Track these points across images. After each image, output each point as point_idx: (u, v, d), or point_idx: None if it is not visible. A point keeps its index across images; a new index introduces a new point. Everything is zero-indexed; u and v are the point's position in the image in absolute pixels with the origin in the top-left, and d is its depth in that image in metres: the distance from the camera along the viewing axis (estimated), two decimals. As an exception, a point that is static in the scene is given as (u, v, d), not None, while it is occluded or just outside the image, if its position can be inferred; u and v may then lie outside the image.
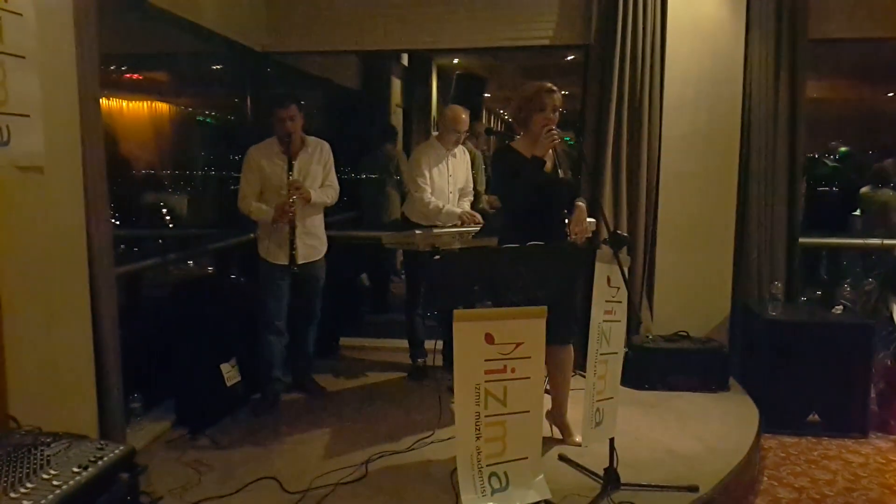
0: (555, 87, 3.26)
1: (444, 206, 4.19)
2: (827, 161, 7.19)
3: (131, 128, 4.92)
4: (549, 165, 3.24)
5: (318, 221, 3.99)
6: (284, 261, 3.81)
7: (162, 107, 5.30)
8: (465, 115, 4.29)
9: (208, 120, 6.07)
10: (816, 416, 4.08)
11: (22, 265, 2.52)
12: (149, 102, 5.10)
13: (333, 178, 4.01)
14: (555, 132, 3.12)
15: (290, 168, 3.76)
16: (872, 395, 4.15)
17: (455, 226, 4.14)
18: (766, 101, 4.49)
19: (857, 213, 6.70)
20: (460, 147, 4.44)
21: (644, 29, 4.47)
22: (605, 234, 3.06)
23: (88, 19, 2.82)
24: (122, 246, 3.81)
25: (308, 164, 3.88)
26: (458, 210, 4.18)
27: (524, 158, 3.23)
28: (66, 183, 2.74)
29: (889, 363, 4.23)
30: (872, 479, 3.55)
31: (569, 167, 3.34)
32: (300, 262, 3.83)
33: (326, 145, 4.00)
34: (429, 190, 4.23)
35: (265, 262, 3.88)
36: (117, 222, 3.11)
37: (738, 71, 4.52)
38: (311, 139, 3.94)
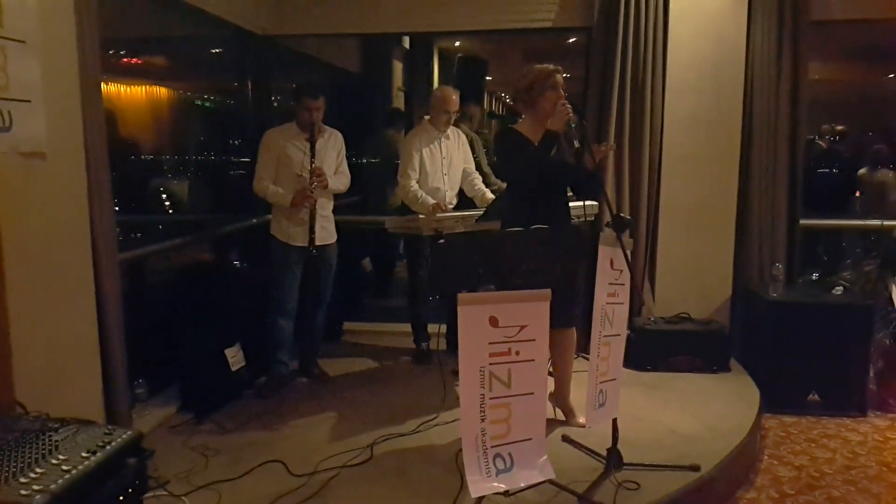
0: (560, 68, 3.29)
1: (420, 196, 4.15)
2: (821, 142, 7.16)
3: (130, 112, 4.89)
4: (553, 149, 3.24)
5: (329, 205, 4.04)
6: (303, 242, 3.84)
7: (161, 91, 5.26)
8: (455, 96, 4.25)
9: (207, 104, 6.03)
10: (816, 396, 4.11)
11: (26, 251, 2.52)
12: (148, 87, 5.06)
13: (345, 166, 4.09)
14: (568, 106, 3.13)
15: (313, 154, 3.81)
16: (871, 374, 4.18)
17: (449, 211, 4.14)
18: (768, 83, 4.48)
19: (857, 194, 6.71)
20: (454, 129, 4.41)
21: (647, 11, 4.45)
22: (608, 217, 3.06)
23: (89, 3, 2.80)
24: (123, 232, 3.79)
25: (324, 151, 3.93)
26: (431, 201, 4.12)
27: (528, 141, 3.22)
28: (68, 168, 2.75)
29: (888, 343, 4.25)
30: (871, 456, 3.59)
31: (572, 151, 3.34)
32: (318, 243, 3.87)
33: (340, 134, 4.08)
34: (415, 178, 4.21)
35: (280, 244, 3.90)
36: (116, 208, 3.09)
37: (740, 53, 4.51)
38: (327, 127, 3.99)
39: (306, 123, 3.84)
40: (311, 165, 3.80)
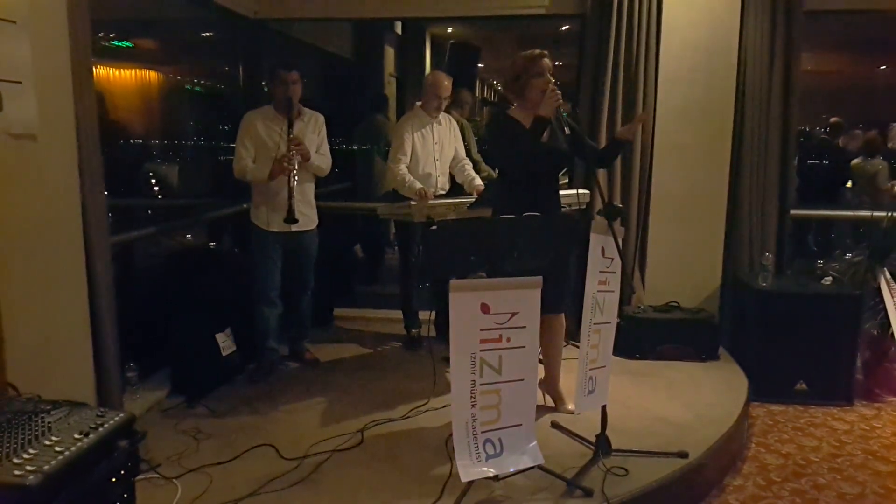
0: (546, 52, 3.26)
1: (408, 180, 4.13)
2: (814, 134, 7.20)
3: (120, 96, 4.84)
4: (545, 135, 3.24)
5: (311, 190, 3.98)
6: (280, 227, 3.79)
7: (151, 75, 5.21)
8: (447, 81, 4.23)
9: (197, 88, 5.99)
10: (804, 385, 4.15)
11: (17, 234, 2.51)
12: (137, 70, 5.02)
13: (326, 149, 4.02)
14: (558, 91, 3.12)
15: (291, 126, 3.75)
16: (858, 364, 4.22)
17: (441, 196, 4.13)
18: (761, 73, 4.49)
19: (849, 185, 6.75)
20: (445, 115, 4.40)
21: (640, -1, 4.44)
22: (600, 205, 3.07)
23: (79, -16, 2.77)
24: (112, 216, 3.77)
25: (303, 133, 3.87)
26: (418, 185, 4.09)
27: (522, 127, 3.22)
28: (60, 151, 2.72)
29: (875, 333, 4.29)
30: (856, 445, 3.63)
31: (564, 138, 3.34)
32: (296, 229, 3.81)
33: (321, 117, 4.02)
34: (405, 162, 4.20)
35: (259, 230, 3.88)
36: (105, 192, 3.07)
37: (733, 42, 4.51)
38: (307, 110, 3.94)
39: (282, 101, 3.79)
40: (287, 136, 3.71)
